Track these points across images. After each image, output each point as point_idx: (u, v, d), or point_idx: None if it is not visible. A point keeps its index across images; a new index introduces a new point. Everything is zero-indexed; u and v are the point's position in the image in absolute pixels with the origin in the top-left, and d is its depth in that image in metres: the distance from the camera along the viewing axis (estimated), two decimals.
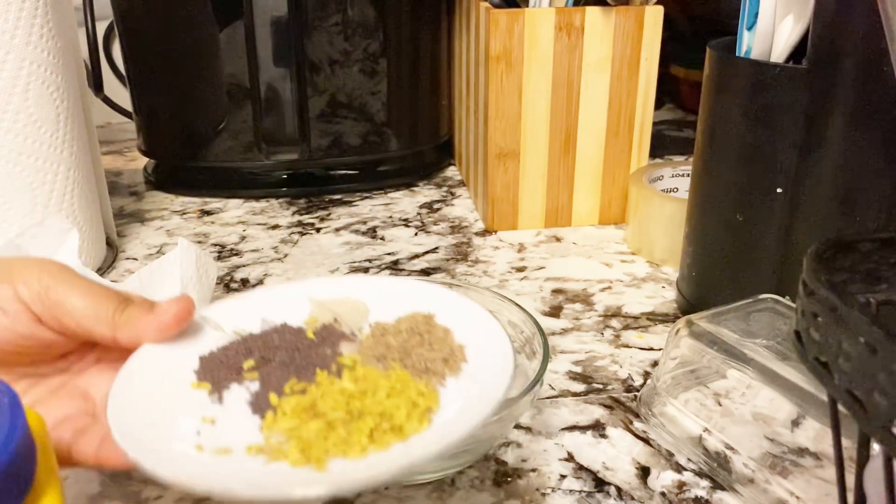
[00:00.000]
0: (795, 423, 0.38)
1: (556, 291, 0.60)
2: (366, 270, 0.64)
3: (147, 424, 0.29)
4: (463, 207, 0.78)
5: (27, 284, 0.30)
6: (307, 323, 0.35)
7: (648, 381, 0.46)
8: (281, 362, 0.33)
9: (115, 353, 0.33)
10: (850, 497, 0.25)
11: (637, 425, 0.45)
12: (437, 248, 0.68)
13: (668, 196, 0.66)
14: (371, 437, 0.29)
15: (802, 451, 0.38)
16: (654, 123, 0.72)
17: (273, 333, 0.34)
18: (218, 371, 0.32)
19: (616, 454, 0.42)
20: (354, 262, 0.65)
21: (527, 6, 0.66)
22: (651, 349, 0.52)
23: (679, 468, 0.41)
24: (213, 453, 0.29)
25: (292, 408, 0.30)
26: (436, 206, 0.78)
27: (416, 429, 0.29)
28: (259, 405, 0.31)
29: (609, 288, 0.61)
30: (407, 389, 0.31)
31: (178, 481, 0.27)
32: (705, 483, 0.40)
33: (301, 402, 0.31)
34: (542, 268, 0.64)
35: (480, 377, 0.32)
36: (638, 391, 0.48)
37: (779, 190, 0.47)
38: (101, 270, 0.62)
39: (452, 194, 0.81)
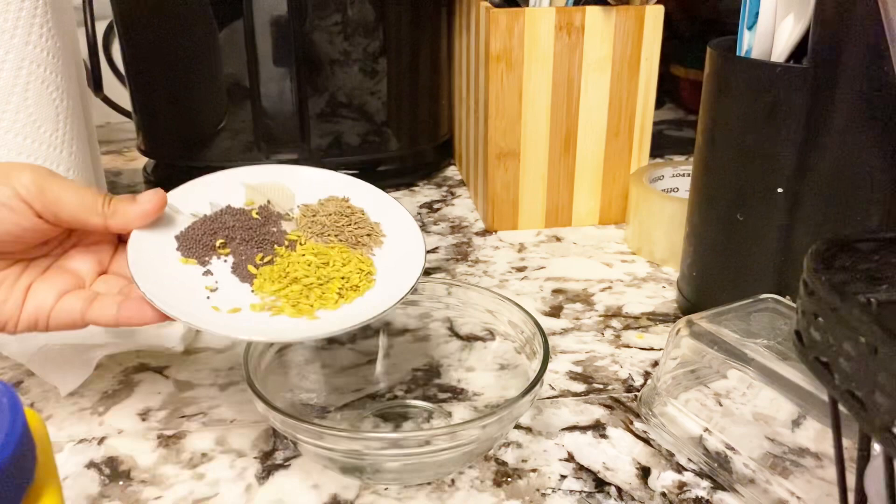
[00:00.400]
0: (796, 423, 0.38)
1: (557, 291, 0.60)
2: None
3: (170, 293, 0.38)
4: (463, 207, 0.78)
5: (24, 186, 0.36)
6: (247, 205, 0.43)
7: (649, 381, 0.46)
8: (242, 239, 0.42)
9: (92, 237, 0.41)
10: (851, 497, 0.25)
11: (637, 425, 0.45)
12: (437, 248, 0.68)
13: (669, 196, 0.65)
14: (340, 295, 0.40)
15: (803, 452, 0.38)
16: (655, 123, 0.72)
17: (224, 216, 0.42)
18: (196, 249, 0.41)
19: (616, 454, 0.42)
20: None
21: (527, 6, 0.66)
22: (651, 349, 0.52)
23: (679, 468, 0.41)
24: (228, 312, 0.38)
25: (269, 275, 0.40)
26: (436, 206, 0.78)
27: (367, 287, 0.41)
28: (243, 275, 0.40)
29: (609, 288, 0.61)
30: (353, 259, 0.42)
31: (225, 332, 0.37)
32: (706, 483, 0.40)
33: (275, 269, 0.41)
34: (542, 268, 0.64)
35: (397, 246, 0.43)
36: (638, 391, 0.48)
37: (779, 189, 0.47)
38: None
39: (452, 194, 0.81)
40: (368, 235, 0.43)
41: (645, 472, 0.41)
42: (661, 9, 0.67)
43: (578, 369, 0.50)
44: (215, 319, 0.37)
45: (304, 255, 0.42)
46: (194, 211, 0.42)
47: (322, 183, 0.46)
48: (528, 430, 0.44)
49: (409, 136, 0.84)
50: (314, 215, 0.44)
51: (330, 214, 0.44)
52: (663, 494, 0.39)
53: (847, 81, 0.42)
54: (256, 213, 0.43)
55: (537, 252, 0.68)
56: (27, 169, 0.37)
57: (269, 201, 0.44)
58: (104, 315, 0.38)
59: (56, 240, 0.40)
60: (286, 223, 0.43)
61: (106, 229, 0.39)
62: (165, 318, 0.37)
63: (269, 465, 0.41)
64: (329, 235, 0.43)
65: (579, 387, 0.48)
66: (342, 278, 0.40)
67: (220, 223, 0.42)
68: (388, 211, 0.46)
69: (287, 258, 0.41)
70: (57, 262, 0.40)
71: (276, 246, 0.42)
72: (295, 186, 0.45)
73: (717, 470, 0.40)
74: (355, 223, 0.44)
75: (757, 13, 0.47)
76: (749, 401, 0.40)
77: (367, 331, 0.50)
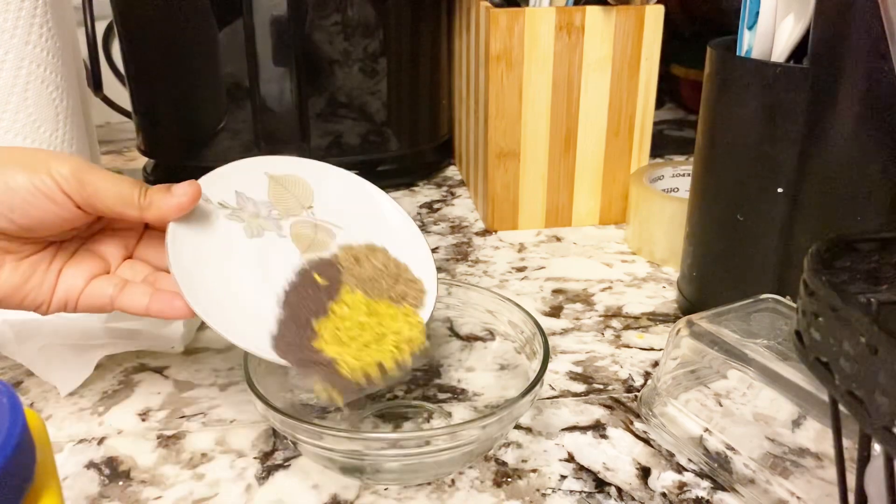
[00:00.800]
0: (796, 424, 0.38)
1: (557, 291, 0.60)
2: None
3: (214, 302, 0.39)
4: (463, 207, 0.78)
5: (65, 178, 0.37)
6: (306, 262, 0.44)
7: (649, 382, 0.46)
8: (307, 313, 0.42)
9: (120, 222, 0.42)
10: (851, 497, 0.25)
11: (637, 426, 0.45)
12: (437, 248, 0.68)
13: (669, 196, 0.65)
14: (397, 348, 0.40)
15: (803, 452, 0.38)
16: (655, 123, 0.72)
17: (296, 289, 0.42)
18: (302, 360, 0.40)
19: (616, 454, 0.42)
20: None
21: (527, 5, 0.66)
22: (652, 349, 0.52)
23: (680, 469, 0.41)
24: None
25: (328, 333, 0.41)
26: (436, 206, 0.78)
27: (419, 340, 0.41)
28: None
29: (609, 288, 0.61)
30: (399, 315, 0.42)
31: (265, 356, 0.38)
32: (706, 483, 0.40)
33: (328, 327, 0.41)
34: (542, 268, 0.64)
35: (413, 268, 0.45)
36: (638, 391, 0.48)
37: (779, 189, 0.47)
38: None
39: (452, 194, 0.81)
40: (416, 296, 0.44)
41: (645, 473, 0.41)
42: (661, 9, 0.67)
43: (578, 369, 0.50)
44: (259, 343, 0.39)
45: (354, 311, 0.42)
46: (222, 200, 0.43)
47: (342, 185, 0.47)
48: (528, 430, 0.44)
49: (409, 136, 0.83)
50: (357, 261, 0.44)
51: (376, 268, 0.44)
52: (663, 495, 0.39)
53: (847, 81, 0.42)
54: (320, 277, 0.43)
55: (537, 252, 0.67)
56: (66, 160, 0.37)
57: (335, 256, 0.44)
58: (134, 304, 0.40)
59: (85, 224, 0.41)
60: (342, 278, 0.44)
61: (141, 220, 0.40)
62: (194, 313, 0.38)
63: (269, 465, 0.41)
64: (374, 290, 0.43)
65: (579, 387, 0.48)
66: (395, 333, 0.41)
67: (296, 304, 0.42)
68: (403, 230, 0.47)
69: (339, 315, 0.41)
70: (85, 245, 0.42)
71: (330, 301, 0.42)
72: (315, 182, 0.47)
73: (717, 470, 0.40)
74: (401, 283, 0.44)
75: (757, 13, 0.47)
76: (749, 401, 0.40)
77: None
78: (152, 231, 0.43)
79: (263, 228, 0.44)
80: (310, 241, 0.45)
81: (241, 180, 0.44)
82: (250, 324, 0.39)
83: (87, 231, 0.42)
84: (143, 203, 0.39)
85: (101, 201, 0.38)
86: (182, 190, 0.40)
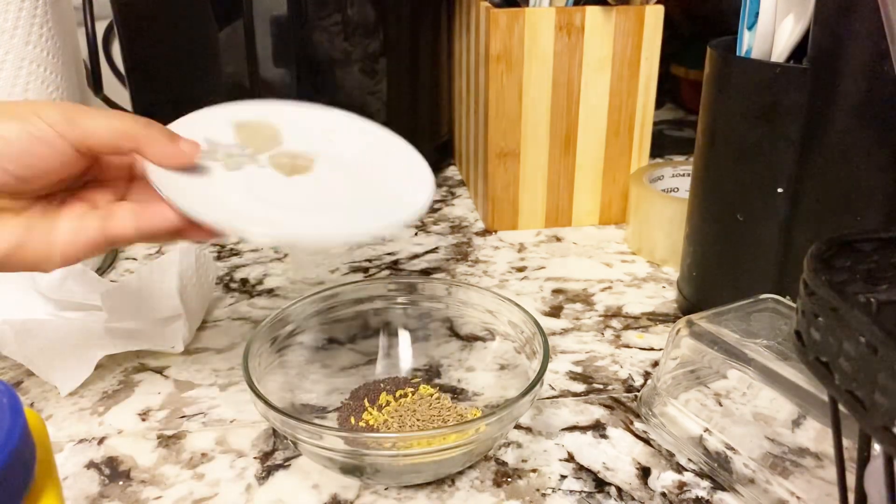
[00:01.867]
0: (796, 424, 0.38)
1: (557, 291, 0.60)
2: (366, 270, 0.64)
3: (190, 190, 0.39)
4: (463, 207, 0.78)
5: (56, 121, 0.36)
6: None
7: (649, 382, 0.46)
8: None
9: (110, 173, 0.42)
10: (851, 497, 0.25)
11: (637, 425, 0.45)
12: (437, 248, 0.68)
13: (669, 196, 0.65)
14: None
15: (803, 452, 0.38)
16: (655, 123, 0.72)
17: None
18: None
19: (616, 454, 0.42)
20: (354, 263, 0.65)
21: (527, 6, 0.66)
22: (651, 349, 0.52)
23: (679, 468, 0.41)
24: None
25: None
26: (436, 206, 0.78)
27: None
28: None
29: (609, 288, 0.61)
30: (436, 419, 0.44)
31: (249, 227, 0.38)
32: (706, 483, 0.40)
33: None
34: (542, 268, 0.64)
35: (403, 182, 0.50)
36: (638, 391, 0.48)
37: (779, 189, 0.47)
38: (101, 270, 0.62)
39: (452, 194, 0.81)
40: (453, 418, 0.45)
41: (645, 473, 0.41)
42: (661, 9, 0.67)
43: (578, 369, 0.50)
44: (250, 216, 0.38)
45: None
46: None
47: (310, 127, 0.45)
48: (528, 430, 0.44)
49: (409, 136, 0.83)
50: (406, 411, 0.45)
51: (423, 410, 0.45)
52: (663, 494, 0.39)
53: (847, 81, 0.42)
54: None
55: (537, 252, 0.67)
56: (53, 106, 0.36)
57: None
58: (124, 227, 0.38)
59: (80, 170, 0.40)
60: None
61: (136, 153, 0.39)
62: (186, 219, 0.37)
63: (269, 465, 0.41)
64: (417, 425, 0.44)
65: (579, 387, 0.48)
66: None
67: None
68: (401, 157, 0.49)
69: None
70: (76, 195, 0.40)
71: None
72: (281, 125, 0.45)
73: (717, 470, 0.40)
74: (444, 417, 0.44)
75: (757, 13, 0.47)
76: (749, 401, 0.40)
77: (367, 331, 0.50)
78: (142, 180, 0.41)
79: (242, 164, 0.42)
80: (290, 168, 0.43)
81: (206, 128, 0.43)
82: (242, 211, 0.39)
83: (77, 182, 0.41)
84: (143, 134, 0.38)
85: (96, 135, 0.37)
86: (188, 148, 0.40)
